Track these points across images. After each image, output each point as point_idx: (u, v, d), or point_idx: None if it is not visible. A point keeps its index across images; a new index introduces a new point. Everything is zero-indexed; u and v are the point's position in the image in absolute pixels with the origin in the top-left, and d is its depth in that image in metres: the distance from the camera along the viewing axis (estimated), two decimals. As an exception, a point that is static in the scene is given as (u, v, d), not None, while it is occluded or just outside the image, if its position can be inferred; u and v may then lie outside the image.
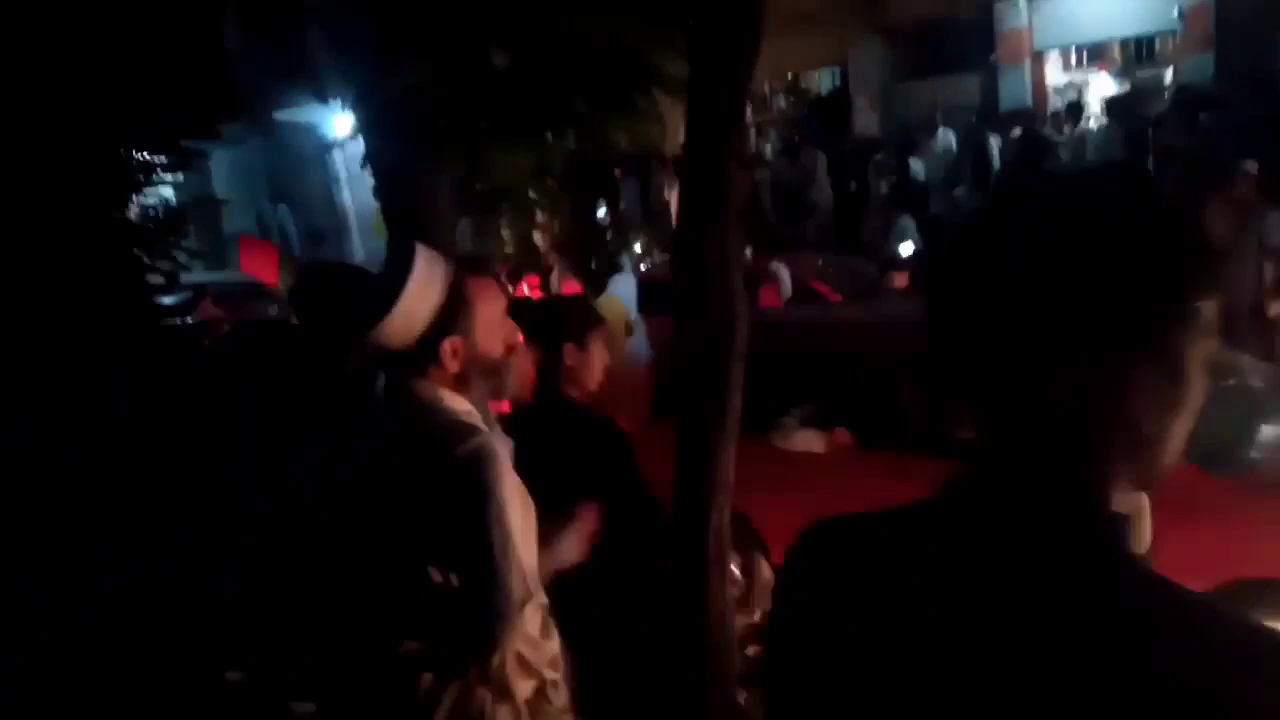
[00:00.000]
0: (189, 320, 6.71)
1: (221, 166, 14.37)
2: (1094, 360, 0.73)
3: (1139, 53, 12.73)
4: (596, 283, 8.13)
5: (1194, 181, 6.17)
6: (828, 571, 0.87)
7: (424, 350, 1.88)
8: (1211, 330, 0.76)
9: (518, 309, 2.33)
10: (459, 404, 1.90)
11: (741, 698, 3.16)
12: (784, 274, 7.34)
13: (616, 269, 8.17)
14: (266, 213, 16.22)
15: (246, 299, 13.04)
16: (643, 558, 2.69)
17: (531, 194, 5.26)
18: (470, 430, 1.82)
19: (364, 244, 14.36)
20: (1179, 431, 0.78)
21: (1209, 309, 0.75)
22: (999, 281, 0.76)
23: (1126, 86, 12.27)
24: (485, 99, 4.03)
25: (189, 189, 6.68)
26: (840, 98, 14.27)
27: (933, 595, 0.78)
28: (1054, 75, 13.05)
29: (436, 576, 1.79)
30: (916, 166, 11.42)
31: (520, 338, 2.17)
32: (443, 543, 1.80)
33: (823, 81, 15.19)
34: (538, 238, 9.39)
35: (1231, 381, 4.21)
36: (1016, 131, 11.08)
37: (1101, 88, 12.82)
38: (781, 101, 15.24)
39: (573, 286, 8.16)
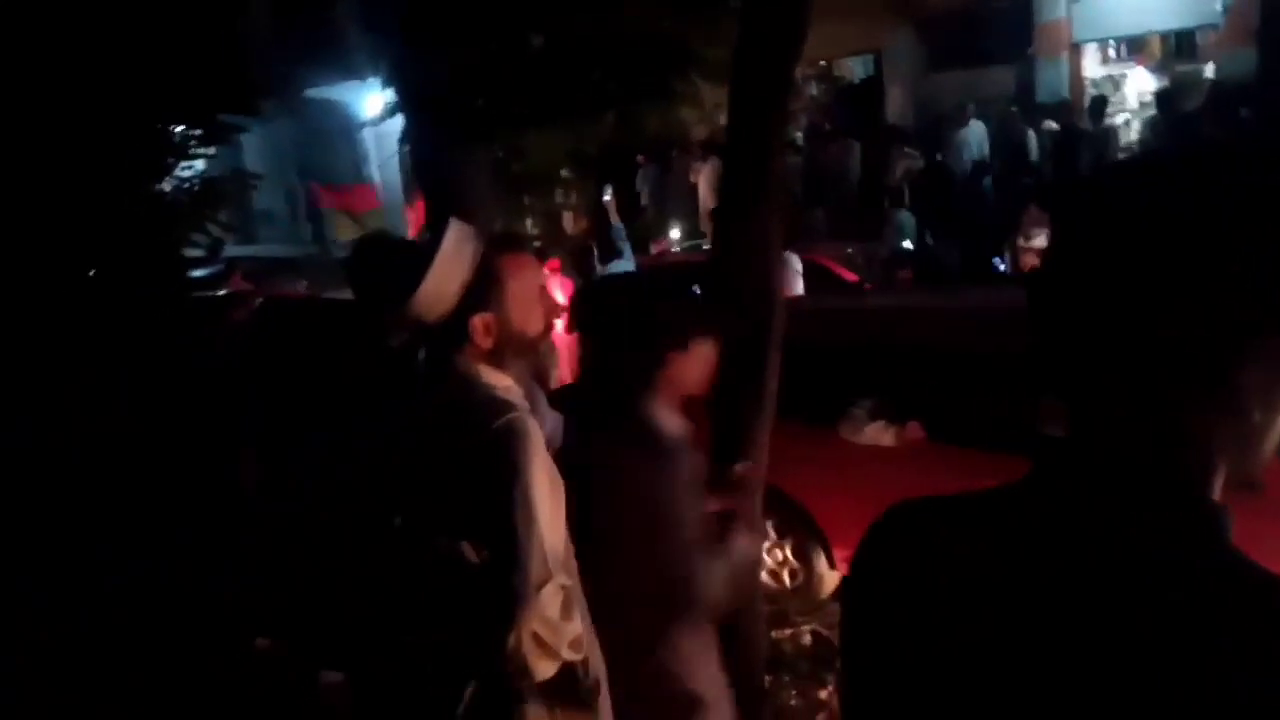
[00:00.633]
0: (220, 293, 6.76)
1: (252, 142, 14.44)
2: (1208, 350, 0.71)
3: (1179, 47, 12.54)
4: (594, 266, 8.10)
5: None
6: (913, 553, 0.86)
7: (456, 325, 1.88)
8: None
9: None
10: (498, 379, 1.90)
11: (766, 680, 3.17)
12: (795, 263, 7.18)
13: (616, 254, 8.10)
14: (296, 189, 16.29)
15: (274, 274, 13.12)
16: None
17: (565, 175, 5.27)
18: (504, 407, 1.82)
19: (390, 222, 14.39)
20: (1277, 430, 0.75)
21: None
22: (1112, 271, 0.74)
23: (1164, 81, 12.10)
24: (523, 82, 4.03)
25: (221, 164, 6.72)
26: (873, 86, 14.15)
27: (1024, 582, 0.77)
28: (1091, 68, 12.89)
29: (460, 551, 1.80)
30: (910, 159, 11.34)
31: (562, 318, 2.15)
32: (468, 517, 1.80)
33: (856, 69, 15.07)
34: (568, 220, 9.39)
35: None
36: (1049, 124, 10.96)
37: (1139, 82, 12.65)
38: (814, 89, 15.12)
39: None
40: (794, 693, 3.66)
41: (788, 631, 4.14)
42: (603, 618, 1.98)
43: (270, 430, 3.60)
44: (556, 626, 1.77)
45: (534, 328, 1.96)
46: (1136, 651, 0.70)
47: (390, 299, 1.93)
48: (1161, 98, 10.98)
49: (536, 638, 1.74)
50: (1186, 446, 0.74)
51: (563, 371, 5.27)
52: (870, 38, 13.54)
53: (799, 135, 13.71)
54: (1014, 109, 11.59)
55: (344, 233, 13.89)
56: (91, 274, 4.19)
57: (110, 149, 4.17)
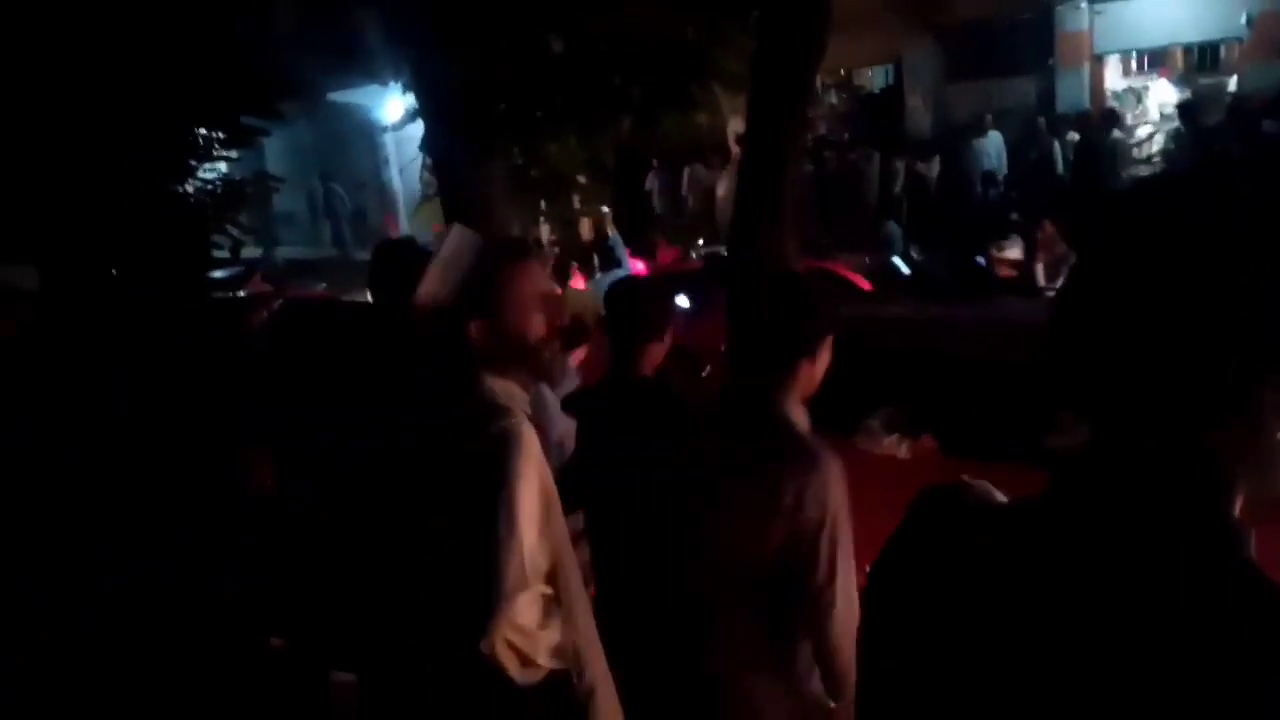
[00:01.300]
0: (240, 294, 6.81)
1: (274, 145, 14.55)
2: (1230, 368, 0.71)
3: (1202, 59, 12.46)
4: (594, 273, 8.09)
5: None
6: (933, 562, 0.87)
7: (453, 328, 1.87)
8: None
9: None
10: (498, 384, 1.88)
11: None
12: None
13: (614, 264, 8.07)
14: (317, 192, 16.40)
15: (294, 275, 13.24)
16: None
17: (582, 181, 5.29)
18: (500, 413, 1.81)
19: (411, 226, 14.47)
20: None
21: None
22: (1138, 289, 0.74)
23: (1187, 93, 12.03)
24: (542, 87, 4.06)
25: (243, 167, 6.79)
26: (893, 96, 14.13)
27: (1045, 592, 0.77)
28: (1113, 79, 12.82)
29: (445, 554, 1.80)
30: (925, 168, 11.35)
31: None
32: (454, 520, 1.79)
33: (876, 79, 15.05)
34: (585, 226, 9.42)
35: None
36: (1073, 136, 10.92)
37: (1161, 94, 12.57)
38: (834, 98, 15.11)
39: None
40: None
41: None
42: (707, 626, 1.98)
43: (286, 432, 3.61)
44: (532, 634, 1.77)
45: (534, 332, 1.92)
46: (1153, 662, 0.71)
47: (401, 302, 1.95)
48: (1184, 110, 10.92)
49: (511, 645, 1.74)
50: (1207, 462, 0.74)
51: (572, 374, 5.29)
52: (890, 47, 13.52)
53: (823, 144, 13.73)
54: (1040, 119, 11.54)
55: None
56: (112, 273, 4.23)
57: (133, 149, 4.21)
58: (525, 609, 1.75)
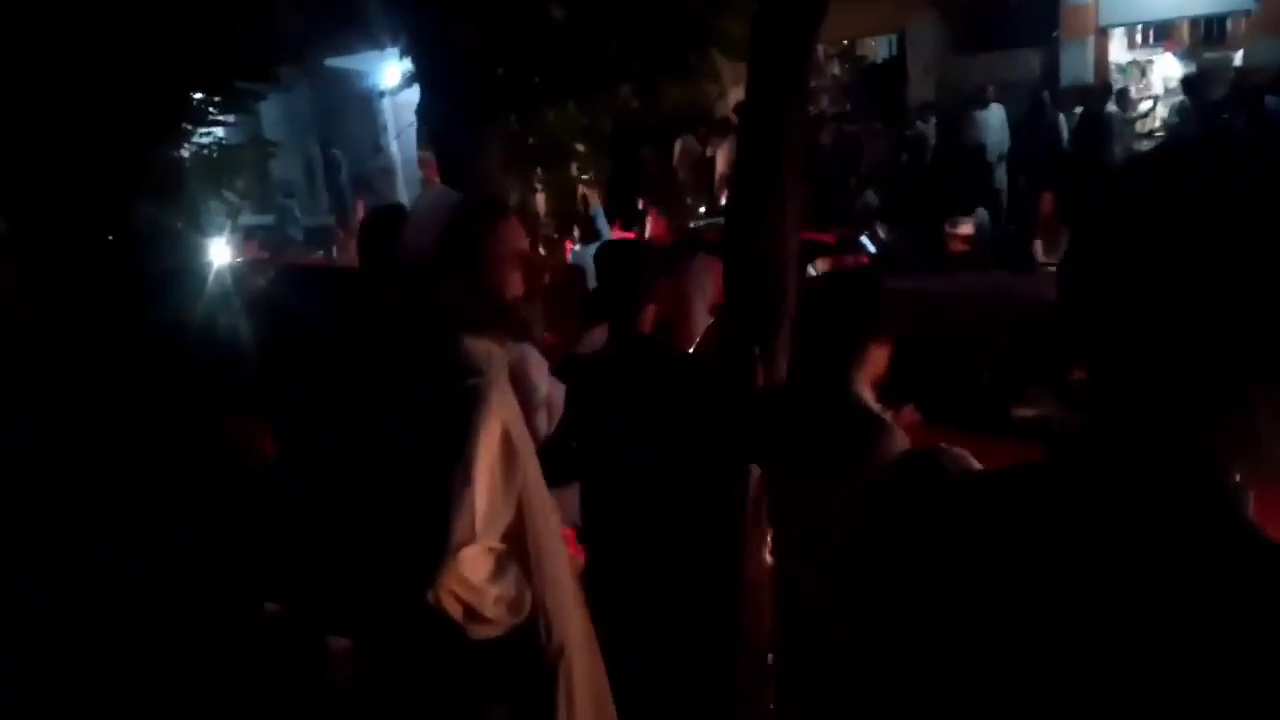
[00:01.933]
0: (236, 260, 6.79)
1: (270, 110, 14.44)
2: (1215, 345, 0.71)
3: (1208, 33, 12.35)
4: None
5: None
6: (939, 528, 0.87)
7: (431, 286, 1.90)
8: None
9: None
10: (477, 344, 1.91)
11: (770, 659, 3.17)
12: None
13: (595, 236, 8.06)
14: (315, 159, 16.30)
15: (290, 242, 13.18)
16: None
17: (580, 150, 5.25)
18: (467, 372, 1.84)
19: (409, 191, 14.39)
20: None
21: None
22: (1146, 257, 0.73)
23: (1192, 67, 11.93)
24: (542, 54, 4.01)
25: (240, 131, 6.74)
26: (896, 67, 14.02)
27: (1048, 556, 0.78)
28: (1117, 53, 12.71)
29: (399, 506, 1.84)
30: (924, 128, 11.27)
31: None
32: (412, 474, 1.84)
33: (879, 50, 14.93)
34: (583, 194, 9.37)
35: None
36: (1077, 109, 10.83)
37: (1166, 67, 12.47)
38: (836, 68, 14.99)
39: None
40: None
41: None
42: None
43: (281, 400, 3.61)
44: (479, 589, 1.80)
45: (512, 290, 1.96)
46: (1157, 624, 0.71)
47: (391, 268, 1.98)
48: (1188, 84, 10.84)
49: (456, 596, 1.77)
50: (1207, 431, 0.74)
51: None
52: (894, 18, 13.40)
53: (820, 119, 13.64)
54: (1045, 93, 11.45)
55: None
56: (108, 240, 4.21)
57: (126, 113, 4.17)
58: (473, 563, 1.78)
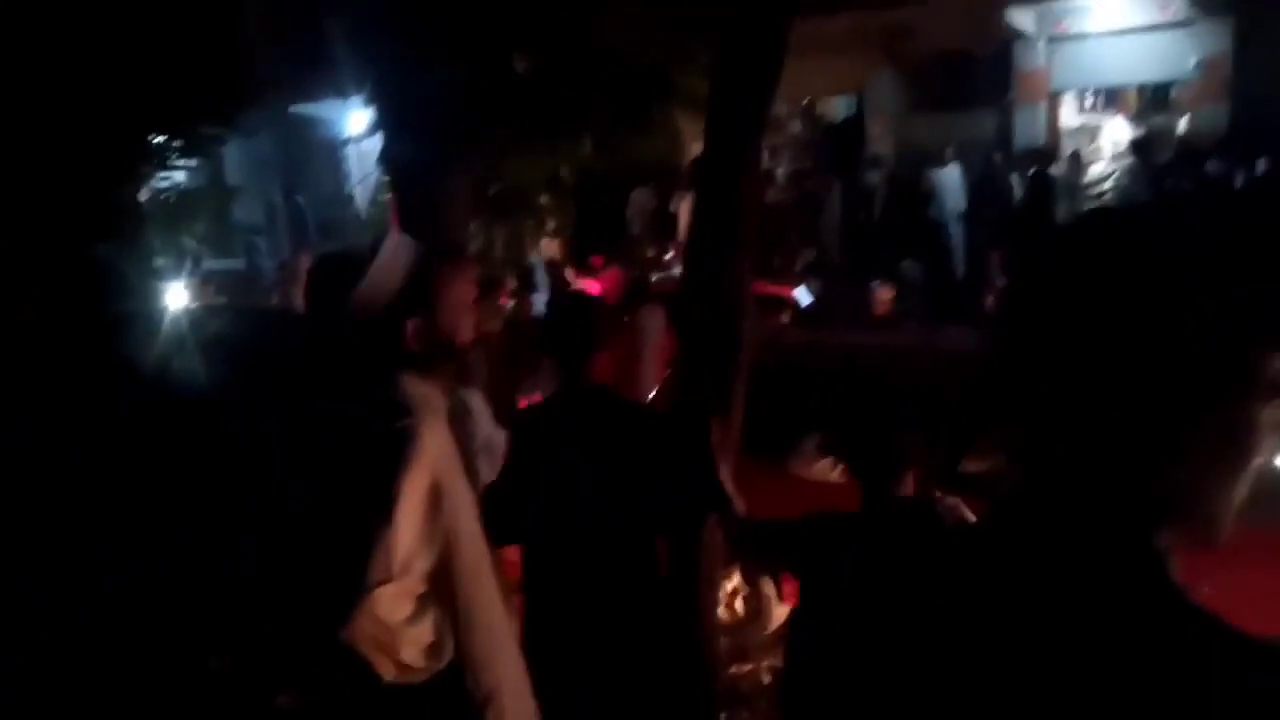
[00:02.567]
0: (191, 306, 6.71)
1: (233, 156, 14.40)
2: (1149, 407, 0.72)
3: (1154, 99, 12.77)
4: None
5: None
6: (870, 593, 0.87)
7: (389, 328, 1.94)
8: (1276, 390, 0.72)
9: None
10: (413, 385, 1.94)
11: (723, 717, 3.15)
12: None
13: (533, 289, 8.08)
14: (277, 204, 16.24)
15: (250, 287, 13.06)
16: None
17: (544, 200, 5.29)
18: (400, 413, 1.87)
19: (373, 239, 14.33)
20: (1236, 489, 0.75)
21: (1276, 368, 0.72)
22: (1062, 319, 0.75)
23: (1140, 131, 12.32)
24: (506, 104, 4.05)
25: (201, 176, 6.71)
26: (856, 126, 14.31)
27: (978, 621, 0.78)
28: (1069, 117, 13.10)
29: (321, 544, 1.83)
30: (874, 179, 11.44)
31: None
32: (336, 513, 1.83)
33: (839, 109, 15.23)
34: (546, 245, 9.41)
35: None
36: (1032, 170, 11.13)
37: (1115, 131, 12.85)
38: (797, 126, 15.27)
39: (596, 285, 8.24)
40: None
41: (747, 667, 4.11)
42: None
43: (229, 445, 3.56)
44: (394, 629, 1.78)
45: (463, 335, 2.02)
46: (1082, 690, 0.71)
47: (333, 303, 2.00)
48: (1137, 147, 11.20)
49: (372, 639, 1.76)
50: (1136, 491, 0.75)
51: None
52: (853, 78, 13.71)
53: (779, 171, 13.87)
54: (996, 154, 11.77)
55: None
56: (59, 282, 4.14)
57: (82, 155, 4.14)
58: (389, 602, 1.77)
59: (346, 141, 12.47)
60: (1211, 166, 9.89)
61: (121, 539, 3.59)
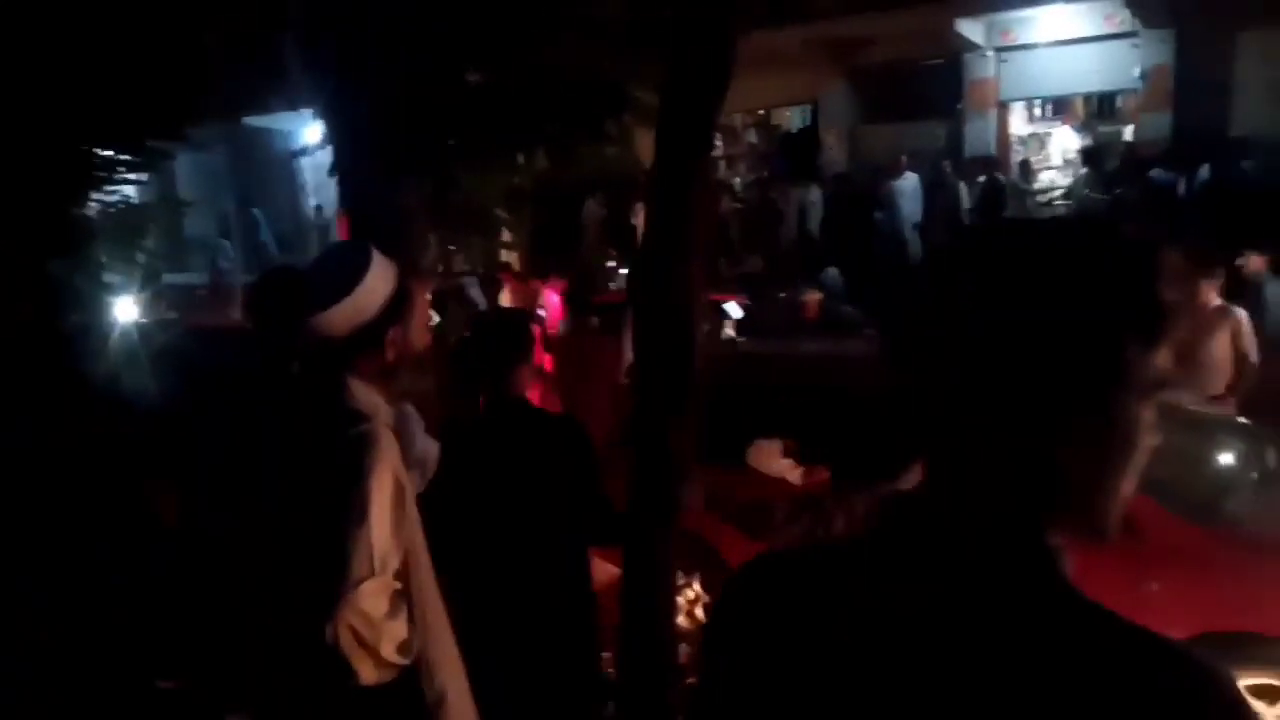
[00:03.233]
0: (143, 321, 6.61)
1: (185, 168, 14.22)
2: (1036, 408, 0.74)
3: (1100, 108, 13.06)
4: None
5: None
6: (766, 604, 0.87)
7: (366, 338, 2.00)
8: (1155, 387, 0.75)
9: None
10: (365, 396, 2.01)
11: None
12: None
13: (470, 304, 8.13)
14: (231, 218, 16.05)
15: (204, 303, 12.89)
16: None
17: (500, 213, 5.27)
18: (359, 418, 1.95)
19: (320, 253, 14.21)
20: (1121, 483, 0.77)
21: (1154, 366, 0.75)
22: (947, 325, 0.77)
23: (1088, 140, 12.59)
24: (457, 117, 4.05)
25: (151, 190, 6.61)
26: (810, 136, 14.47)
27: (873, 625, 0.79)
28: (1018, 125, 13.35)
29: (296, 546, 1.90)
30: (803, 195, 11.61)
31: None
32: (308, 515, 1.90)
33: (793, 119, 15.39)
34: (508, 255, 9.39)
35: (1219, 437, 4.30)
36: (982, 178, 11.33)
37: (1064, 140, 13.13)
38: (753, 136, 15.40)
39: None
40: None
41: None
42: None
43: (184, 460, 3.54)
44: (377, 625, 1.84)
45: (421, 344, 2.13)
46: (977, 692, 0.73)
47: (301, 311, 2.03)
48: (1087, 156, 11.46)
49: (355, 633, 1.81)
50: (1024, 493, 0.77)
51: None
52: (806, 88, 13.86)
53: (736, 180, 13.97)
54: (945, 163, 11.95)
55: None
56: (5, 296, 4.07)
57: (25, 169, 4.07)
58: (371, 598, 1.84)
59: (300, 153, 12.38)
60: (1156, 174, 10.13)
61: (122, 538, 3.55)
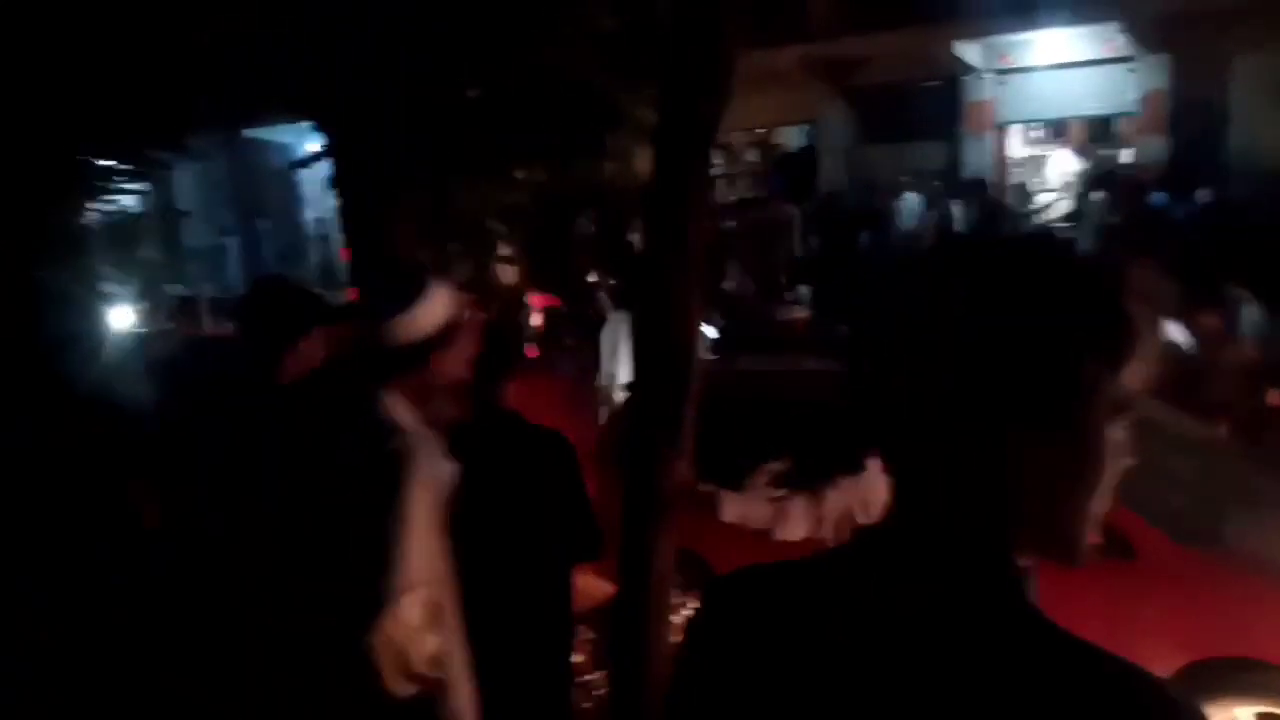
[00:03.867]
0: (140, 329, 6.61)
1: (185, 180, 14.23)
2: (997, 425, 0.73)
3: (1098, 132, 13.13)
4: None
5: (1125, 255, 6.31)
6: (738, 620, 0.86)
7: (412, 356, 2.04)
8: (1125, 406, 0.74)
9: None
10: (401, 411, 2.04)
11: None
12: None
13: None
14: (230, 227, 16.08)
15: (204, 313, 12.87)
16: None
17: (496, 226, 5.29)
18: (400, 432, 1.98)
19: (324, 261, 14.24)
20: (1088, 504, 0.76)
21: (1121, 385, 0.74)
22: (911, 342, 0.76)
23: (1086, 163, 12.64)
24: (456, 128, 4.06)
25: (150, 201, 6.62)
26: (808, 155, 14.51)
27: (842, 643, 0.78)
28: (1016, 148, 13.41)
29: (336, 559, 1.90)
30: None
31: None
32: (348, 528, 1.92)
33: (792, 139, 15.45)
34: (506, 270, 9.39)
35: (1205, 458, 4.28)
36: (974, 200, 11.38)
37: (1062, 162, 13.18)
38: (752, 155, 15.44)
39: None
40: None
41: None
42: None
43: (173, 466, 3.53)
44: (416, 635, 1.87)
45: (463, 374, 2.17)
46: (934, 708, 0.72)
47: (371, 315, 2.13)
48: (1088, 180, 11.52)
49: (393, 645, 1.83)
50: (990, 510, 0.76)
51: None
52: (805, 108, 13.92)
53: (734, 199, 14.01)
54: (937, 184, 12.01)
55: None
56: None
57: (23, 178, 4.07)
58: (411, 609, 1.87)
59: (299, 164, 12.40)
60: (1155, 199, 10.17)
61: (122, 539, 3.53)
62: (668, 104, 2.63)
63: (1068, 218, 11.64)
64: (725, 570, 3.05)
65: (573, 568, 2.78)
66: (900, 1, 11.07)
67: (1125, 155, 12.23)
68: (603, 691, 3.46)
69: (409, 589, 1.86)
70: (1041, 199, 12.58)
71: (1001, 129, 12.98)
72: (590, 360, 6.01)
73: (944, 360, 0.74)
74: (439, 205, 4.33)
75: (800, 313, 8.65)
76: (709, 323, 8.23)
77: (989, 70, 12.54)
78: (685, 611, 4.48)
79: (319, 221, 15.36)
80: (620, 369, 5.47)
